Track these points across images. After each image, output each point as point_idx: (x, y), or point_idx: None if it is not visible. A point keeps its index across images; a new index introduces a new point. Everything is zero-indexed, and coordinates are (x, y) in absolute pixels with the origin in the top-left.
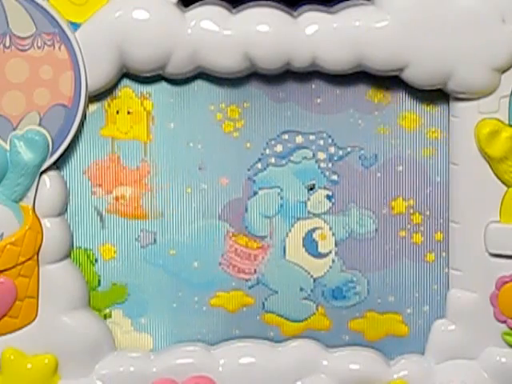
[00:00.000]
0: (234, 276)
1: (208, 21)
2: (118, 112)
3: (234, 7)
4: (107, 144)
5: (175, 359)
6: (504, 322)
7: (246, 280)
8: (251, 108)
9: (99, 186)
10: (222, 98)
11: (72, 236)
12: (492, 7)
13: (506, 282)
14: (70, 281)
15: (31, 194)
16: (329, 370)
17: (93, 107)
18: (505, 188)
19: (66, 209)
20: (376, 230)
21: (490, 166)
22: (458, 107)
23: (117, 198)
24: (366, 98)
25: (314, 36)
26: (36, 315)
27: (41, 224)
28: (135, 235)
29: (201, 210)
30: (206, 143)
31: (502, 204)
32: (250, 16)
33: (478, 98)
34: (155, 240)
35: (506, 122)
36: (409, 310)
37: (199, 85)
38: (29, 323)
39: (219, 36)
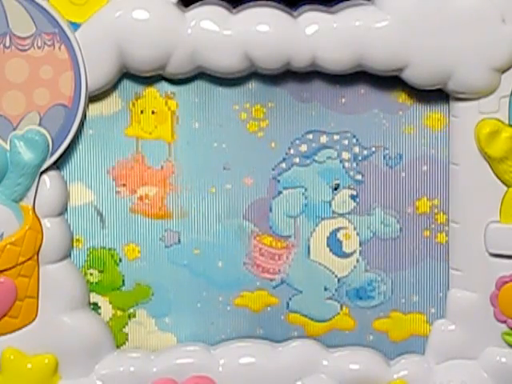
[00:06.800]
0: (259, 276)
1: (208, 21)
2: (142, 112)
3: (234, 7)
4: (132, 144)
5: (175, 359)
6: (504, 321)
7: (271, 280)
8: (276, 108)
9: (123, 185)
10: (247, 97)
11: (72, 236)
12: (492, 7)
13: (506, 282)
14: (70, 281)
15: (31, 194)
16: (329, 370)
17: (117, 107)
18: (505, 188)
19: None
20: (400, 229)
21: (490, 165)
22: (458, 107)
23: (141, 198)
24: (391, 97)
25: (314, 36)
26: (36, 315)
27: (41, 224)
28: (159, 235)
29: (225, 209)
30: (231, 143)
31: (502, 204)
32: (250, 16)
33: (478, 98)
34: (179, 240)
35: (506, 121)
36: (433, 310)
37: (223, 84)
38: (29, 323)
39: (219, 36)
